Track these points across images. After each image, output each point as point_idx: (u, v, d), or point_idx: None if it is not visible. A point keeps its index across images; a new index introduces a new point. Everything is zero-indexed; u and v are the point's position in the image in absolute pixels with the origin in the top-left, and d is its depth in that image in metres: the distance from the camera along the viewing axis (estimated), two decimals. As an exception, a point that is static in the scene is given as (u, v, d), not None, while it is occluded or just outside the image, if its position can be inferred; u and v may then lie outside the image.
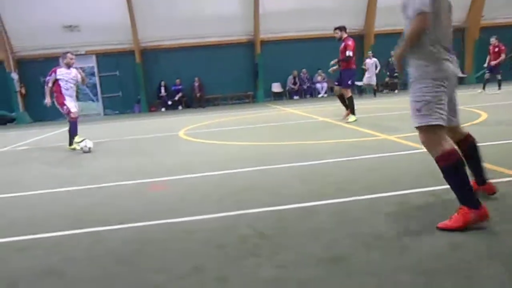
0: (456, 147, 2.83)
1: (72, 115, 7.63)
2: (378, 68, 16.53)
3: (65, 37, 17.63)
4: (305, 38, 18.82)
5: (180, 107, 19.09)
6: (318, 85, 19.58)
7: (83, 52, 17.84)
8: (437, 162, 2.78)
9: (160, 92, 19.02)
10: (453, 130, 3.04)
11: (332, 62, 9.15)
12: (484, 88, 13.77)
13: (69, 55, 7.84)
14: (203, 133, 9.03)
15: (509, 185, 3.63)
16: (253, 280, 2.28)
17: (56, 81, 7.66)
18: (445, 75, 2.76)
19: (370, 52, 16.95)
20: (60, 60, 7.86)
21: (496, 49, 13.58)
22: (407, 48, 2.79)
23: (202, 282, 2.30)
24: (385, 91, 19.13)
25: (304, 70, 19.36)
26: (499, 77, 13.79)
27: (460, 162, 2.73)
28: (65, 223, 3.49)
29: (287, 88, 19.51)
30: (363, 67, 16.50)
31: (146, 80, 18.91)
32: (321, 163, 5.10)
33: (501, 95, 12.56)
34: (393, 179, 4.13)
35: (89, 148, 7.27)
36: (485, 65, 14.44)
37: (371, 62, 16.39)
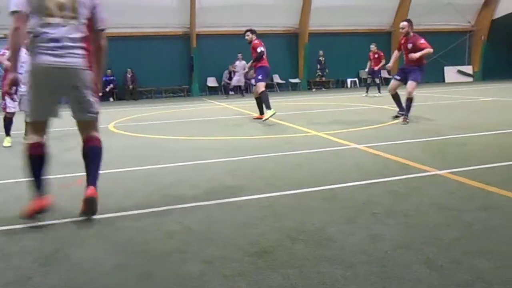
0: (39, 142, 3.08)
1: (8, 115, 6.81)
2: (246, 70, 17.05)
3: (-19, 18, 16.17)
4: (241, 33, 18.81)
5: (111, 99, 18.32)
6: (253, 81, 19.75)
7: (1, 36, 16.47)
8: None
9: (90, 83, 18.12)
10: (80, 129, 3.25)
11: (248, 65, 9.11)
12: (367, 91, 14.95)
13: None
14: (134, 127, 8.76)
15: (428, 179, 3.90)
16: (177, 276, 2.24)
17: None
18: (36, 69, 2.91)
19: (240, 54, 17.23)
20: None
21: (376, 55, 14.84)
22: None
23: (125, 280, 2.23)
24: (313, 89, 19.83)
25: (240, 65, 19.42)
26: (377, 81, 15.02)
27: (34, 158, 3.03)
28: (-24, 221, 3.22)
29: (222, 83, 19.45)
30: (233, 69, 17.41)
31: (74, 69, 17.89)
32: (252, 158, 5.15)
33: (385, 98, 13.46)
34: (321, 174, 4.27)
35: None
36: (366, 69, 15.72)
37: (240, 64, 17.00)
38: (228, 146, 6.04)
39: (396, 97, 8.08)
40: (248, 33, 8.98)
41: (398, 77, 8.00)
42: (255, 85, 9.16)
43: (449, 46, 21.23)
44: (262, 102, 8.68)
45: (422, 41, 7.65)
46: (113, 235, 2.85)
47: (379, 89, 14.79)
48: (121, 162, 5.12)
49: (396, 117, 8.10)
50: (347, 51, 19.76)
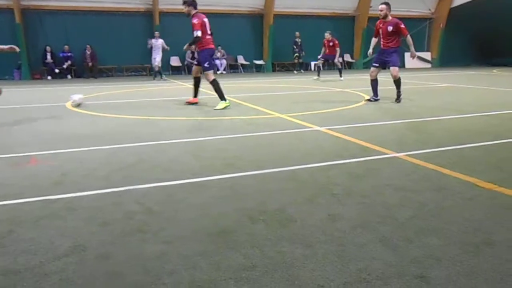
0: None
1: None
2: (165, 48, 16.21)
3: None
4: (206, 13, 18.44)
5: (69, 76, 17.63)
6: (217, 62, 19.48)
7: None
8: None
9: (46, 59, 17.32)
10: None
11: (184, 48, 8.21)
12: (319, 75, 15.07)
13: None
14: (93, 105, 8.48)
15: (386, 161, 4.02)
16: (136, 256, 2.22)
17: None
18: None
19: (157, 32, 16.60)
20: None
21: (331, 43, 14.86)
22: None
23: (82, 261, 2.18)
24: (298, 71, 19.65)
25: (203, 45, 19.05)
26: (339, 65, 15.31)
27: None
28: None
29: (185, 62, 19.11)
30: (148, 46, 16.36)
31: (28, 43, 17.03)
32: (214, 139, 5.12)
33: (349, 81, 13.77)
34: (283, 155, 4.31)
35: None
36: (319, 56, 15.62)
37: (157, 42, 16.07)
38: (190, 127, 5.97)
39: (375, 83, 8.39)
40: (185, 5, 7.67)
41: (376, 64, 8.35)
42: (196, 64, 8.33)
43: (410, 32, 21.60)
44: (214, 88, 7.82)
45: (403, 25, 8.00)
46: (70, 216, 2.77)
47: (340, 73, 14.98)
48: (80, 142, 4.96)
49: (369, 100, 8.41)
50: (312, 34, 19.78)
